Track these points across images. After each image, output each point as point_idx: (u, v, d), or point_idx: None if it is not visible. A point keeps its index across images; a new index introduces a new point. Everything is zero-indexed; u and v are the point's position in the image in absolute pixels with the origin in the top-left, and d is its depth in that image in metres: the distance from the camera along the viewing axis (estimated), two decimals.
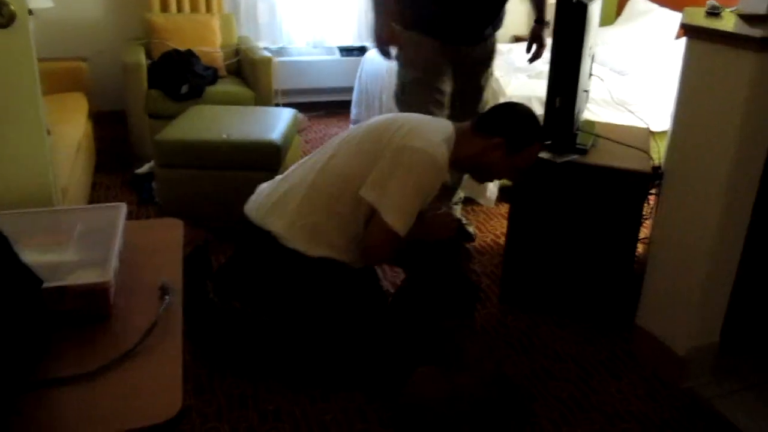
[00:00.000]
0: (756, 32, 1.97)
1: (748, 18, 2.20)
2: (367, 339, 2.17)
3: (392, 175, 2.04)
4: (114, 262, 1.28)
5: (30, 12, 1.56)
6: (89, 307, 1.21)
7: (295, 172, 2.22)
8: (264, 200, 2.20)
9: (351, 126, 4.53)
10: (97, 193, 3.69)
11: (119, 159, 4.16)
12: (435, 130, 2.16)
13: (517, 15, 5.69)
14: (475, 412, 1.83)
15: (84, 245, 1.39)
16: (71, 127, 3.29)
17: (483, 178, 2.43)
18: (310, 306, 2.16)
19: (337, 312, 2.16)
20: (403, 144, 2.06)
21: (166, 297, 1.28)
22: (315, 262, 2.10)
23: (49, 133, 1.72)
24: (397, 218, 2.04)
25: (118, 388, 1.06)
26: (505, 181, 3.46)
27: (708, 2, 2.31)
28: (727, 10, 2.31)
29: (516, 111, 2.25)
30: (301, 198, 2.12)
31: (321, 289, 2.15)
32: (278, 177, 2.30)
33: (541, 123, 2.30)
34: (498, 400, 1.84)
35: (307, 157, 2.28)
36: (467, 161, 2.22)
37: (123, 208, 1.48)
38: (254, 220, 2.16)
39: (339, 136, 2.28)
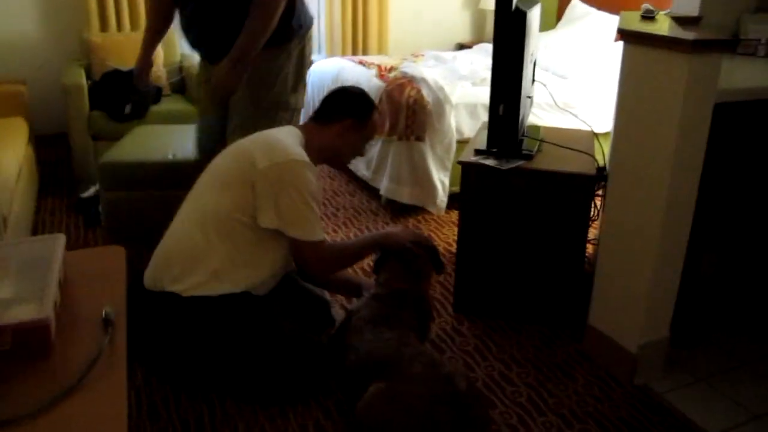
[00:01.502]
0: (689, 35, 2.02)
1: (681, 21, 2.26)
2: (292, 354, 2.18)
3: (278, 197, 2.11)
4: (53, 296, 1.24)
5: None
6: (28, 345, 1.17)
7: (175, 228, 2.27)
8: (154, 267, 2.24)
9: None
10: (42, 218, 3.59)
11: (63, 183, 4.06)
12: (285, 138, 2.24)
13: (459, 22, 5.78)
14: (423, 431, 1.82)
15: (21, 279, 1.34)
16: (11, 153, 3.20)
17: (343, 162, 2.54)
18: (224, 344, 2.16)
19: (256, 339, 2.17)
20: (269, 165, 2.12)
21: (109, 329, 1.25)
22: (218, 301, 2.14)
23: None
24: (307, 231, 2.17)
25: (60, 427, 1.02)
26: (455, 188, 3.47)
27: (643, 6, 2.36)
28: (662, 12, 2.37)
29: (346, 91, 2.46)
30: (189, 248, 2.17)
31: (233, 322, 2.16)
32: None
33: None
34: (447, 418, 1.82)
35: (180, 210, 2.30)
36: (326, 152, 2.37)
37: (61, 239, 1.44)
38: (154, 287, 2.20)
39: (197, 184, 2.30)
